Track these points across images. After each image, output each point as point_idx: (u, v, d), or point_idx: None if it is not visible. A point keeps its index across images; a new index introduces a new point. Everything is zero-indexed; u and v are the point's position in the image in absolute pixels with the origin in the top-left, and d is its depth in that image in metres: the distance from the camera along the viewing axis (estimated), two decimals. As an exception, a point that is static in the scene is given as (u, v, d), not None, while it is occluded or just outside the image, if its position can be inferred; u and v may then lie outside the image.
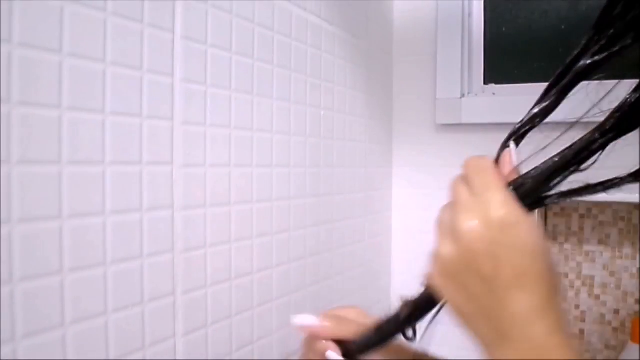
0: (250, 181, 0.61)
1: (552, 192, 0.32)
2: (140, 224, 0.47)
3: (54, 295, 0.39)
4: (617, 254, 0.83)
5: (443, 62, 0.90)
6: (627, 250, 0.83)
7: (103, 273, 0.43)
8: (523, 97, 0.75)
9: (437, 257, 0.33)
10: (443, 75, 0.90)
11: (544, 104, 0.33)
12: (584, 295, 0.85)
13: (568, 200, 0.33)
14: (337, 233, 0.79)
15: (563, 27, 0.86)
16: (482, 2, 0.91)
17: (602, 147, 0.30)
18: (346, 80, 0.82)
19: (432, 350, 0.46)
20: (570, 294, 0.86)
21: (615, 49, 0.29)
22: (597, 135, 0.30)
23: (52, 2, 0.38)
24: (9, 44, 0.35)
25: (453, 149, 0.91)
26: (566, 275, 0.86)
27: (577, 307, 0.86)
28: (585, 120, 0.32)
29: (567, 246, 0.86)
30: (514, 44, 0.90)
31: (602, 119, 0.30)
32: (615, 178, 0.31)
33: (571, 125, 0.32)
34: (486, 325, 0.31)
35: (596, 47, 0.30)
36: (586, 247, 0.85)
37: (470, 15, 0.90)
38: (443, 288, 0.33)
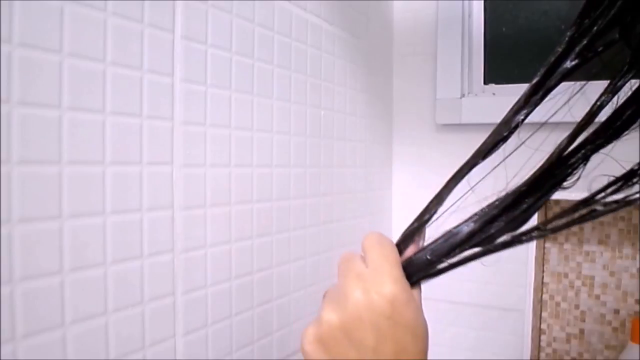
0: (250, 181, 0.61)
1: (445, 263, 0.33)
2: (140, 223, 0.47)
3: (54, 295, 0.39)
4: (617, 254, 0.83)
5: (443, 62, 0.90)
6: (627, 250, 0.83)
7: (103, 273, 0.43)
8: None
9: (317, 323, 0.33)
10: (443, 75, 0.90)
11: (526, 110, 0.33)
12: (584, 295, 0.85)
13: (460, 266, 0.33)
14: (337, 233, 0.79)
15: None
16: (482, 2, 0.91)
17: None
18: (346, 80, 0.82)
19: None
20: (570, 294, 0.86)
21: (600, 49, 0.29)
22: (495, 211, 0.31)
23: (52, 2, 0.38)
24: (9, 44, 0.35)
25: (453, 149, 0.91)
26: (566, 275, 0.86)
27: (577, 307, 0.87)
28: (553, 121, 0.32)
29: (567, 246, 0.86)
30: (514, 44, 0.90)
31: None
32: (521, 233, 0.32)
33: (540, 126, 0.32)
34: None
35: (579, 47, 0.29)
36: (586, 247, 0.85)
37: (470, 15, 0.90)
38: (314, 354, 0.32)
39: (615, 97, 0.28)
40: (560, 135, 0.31)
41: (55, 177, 0.39)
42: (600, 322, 0.84)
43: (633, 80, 0.28)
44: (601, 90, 0.29)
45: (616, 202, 0.29)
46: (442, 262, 0.33)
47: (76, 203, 0.41)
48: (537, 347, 0.85)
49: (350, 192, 0.83)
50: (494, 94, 0.90)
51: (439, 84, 0.90)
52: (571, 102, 0.30)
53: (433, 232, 0.34)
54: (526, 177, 0.32)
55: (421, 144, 0.95)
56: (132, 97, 0.46)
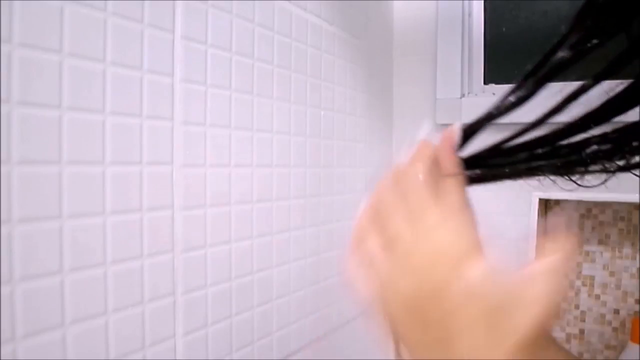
0: (250, 181, 0.61)
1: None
2: (140, 223, 0.47)
3: (54, 295, 0.39)
4: (617, 254, 0.83)
5: (443, 62, 0.90)
6: (627, 250, 0.83)
7: (103, 273, 0.43)
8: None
9: (387, 296, 0.29)
10: (443, 75, 0.90)
11: (518, 95, 0.31)
12: (584, 295, 0.85)
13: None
14: (337, 233, 0.79)
15: (563, 27, 0.86)
16: (482, 2, 0.91)
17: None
18: (346, 80, 0.82)
19: None
20: (570, 294, 0.86)
21: (595, 41, 0.28)
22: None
23: (52, 2, 0.38)
24: (9, 44, 0.35)
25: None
26: (566, 275, 0.86)
27: (577, 307, 0.87)
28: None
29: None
30: (514, 44, 0.90)
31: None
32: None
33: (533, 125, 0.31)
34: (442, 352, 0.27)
35: (575, 39, 0.29)
36: (586, 247, 0.85)
37: (470, 15, 0.90)
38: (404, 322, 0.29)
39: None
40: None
41: (55, 177, 0.39)
42: (600, 322, 0.84)
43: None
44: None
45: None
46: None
47: (76, 203, 0.41)
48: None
49: (350, 192, 0.83)
50: (494, 94, 0.90)
51: (439, 84, 0.90)
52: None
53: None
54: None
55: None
56: (132, 97, 0.46)
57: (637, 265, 0.82)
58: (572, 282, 0.86)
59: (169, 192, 0.50)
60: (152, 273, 0.48)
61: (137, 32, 0.46)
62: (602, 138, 0.28)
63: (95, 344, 0.42)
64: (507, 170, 0.31)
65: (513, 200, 0.83)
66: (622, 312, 0.83)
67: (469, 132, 0.33)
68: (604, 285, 0.84)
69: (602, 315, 0.84)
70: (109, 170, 0.43)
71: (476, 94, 0.91)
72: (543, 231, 0.84)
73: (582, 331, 0.86)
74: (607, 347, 0.84)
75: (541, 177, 0.30)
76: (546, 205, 0.87)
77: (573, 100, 0.29)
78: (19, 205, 0.36)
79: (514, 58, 0.91)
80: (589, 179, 0.30)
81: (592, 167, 0.29)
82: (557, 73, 0.30)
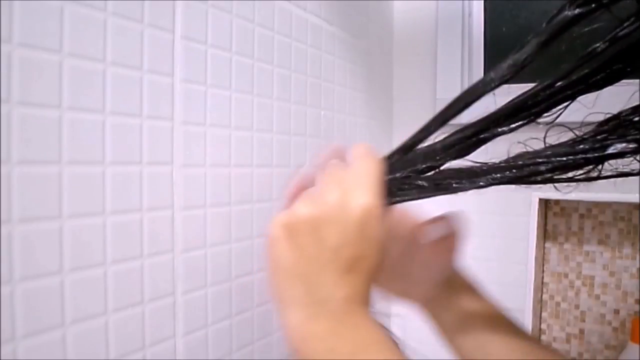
0: (250, 181, 0.61)
1: (420, 181, 0.33)
2: (140, 223, 0.47)
3: (54, 295, 0.39)
4: (617, 254, 0.83)
5: (443, 62, 0.90)
6: (627, 250, 0.83)
7: (103, 273, 0.43)
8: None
9: (289, 212, 0.34)
10: (443, 75, 0.90)
11: (523, 54, 0.32)
12: (584, 295, 0.85)
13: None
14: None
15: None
16: (482, 2, 0.91)
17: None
18: (346, 80, 0.82)
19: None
20: (570, 294, 0.86)
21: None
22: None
23: (52, 2, 0.38)
24: (9, 44, 0.35)
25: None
26: (566, 275, 0.86)
27: (577, 307, 0.86)
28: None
29: (567, 246, 0.86)
30: (514, 44, 0.90)
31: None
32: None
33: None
34: (303, 289, 0.32)
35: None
36: (586, 247, 0.85)
37: (470, 15, 0.90)
38: (277, 237, 0.33)
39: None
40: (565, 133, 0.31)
41: (55, 177, 0.39)
42: (600, 322, 0.84)
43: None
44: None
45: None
46: (418, 178, 0.33)
47: (76, 203, 0.41)
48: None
49: (350, 192, 0.83)
50: (494, 94, 0.90)
51: (439, 84, 0.90)
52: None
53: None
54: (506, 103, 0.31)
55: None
56: (132, 97, 0.46)
57: (637, 265, 0.82)
58: (572, 282, 0.86)
59: (169, 192, 0.50)
60: (152, 273, 0.48)
61: (137, 31, 0.46)
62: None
63: (95, 344, 0.42)
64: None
65: (513, 200, 0.83)
66: (622, 312, 0.83)
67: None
68: (604, 285, 0.84)
69: (602, 315, 0.84)
70: (109, 170, 0.43)
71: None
72: (543, 231, 0.84)
73: (582, 331, 0.86)
74: (607, 347, 0.84)
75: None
76: (546, 206, 0.87)
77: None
78: (18, 205, 0.36)
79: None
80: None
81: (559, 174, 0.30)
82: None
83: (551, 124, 0.31)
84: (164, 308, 0.49)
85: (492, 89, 0.33)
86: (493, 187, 0.32)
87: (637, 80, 0.29)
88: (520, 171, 0.31)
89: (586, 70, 0.29)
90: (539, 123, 0.31)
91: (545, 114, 0.31)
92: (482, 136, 0.33)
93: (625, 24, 0.27)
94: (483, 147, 0.33)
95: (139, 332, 0.46)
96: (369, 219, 0.32)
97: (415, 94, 0.95)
